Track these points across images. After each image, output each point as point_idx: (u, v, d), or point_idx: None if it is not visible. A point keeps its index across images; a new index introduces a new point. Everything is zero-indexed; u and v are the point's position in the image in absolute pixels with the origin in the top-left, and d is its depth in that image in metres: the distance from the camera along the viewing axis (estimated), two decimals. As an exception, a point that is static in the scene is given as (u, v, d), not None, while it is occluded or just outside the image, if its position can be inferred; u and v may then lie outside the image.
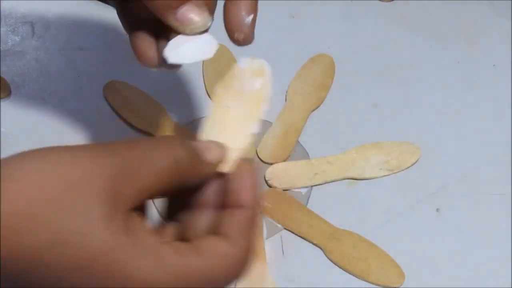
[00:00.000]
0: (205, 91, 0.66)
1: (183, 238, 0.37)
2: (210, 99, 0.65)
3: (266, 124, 0.64)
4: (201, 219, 0.37)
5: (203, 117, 0.64)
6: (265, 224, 0.58)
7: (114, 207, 0.32)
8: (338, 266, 0.56)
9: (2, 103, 0.64)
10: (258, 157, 0.62)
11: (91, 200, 0.32)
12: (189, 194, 0.38)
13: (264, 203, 0.59)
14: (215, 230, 0.36)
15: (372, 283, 0.55)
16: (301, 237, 0.57)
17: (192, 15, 0.43)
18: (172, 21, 0.43)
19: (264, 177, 0.60)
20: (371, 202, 0.60)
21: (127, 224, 0.32)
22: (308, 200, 0.60)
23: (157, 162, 0.34)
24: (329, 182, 0.60)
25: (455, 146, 0.63)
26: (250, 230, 0.36)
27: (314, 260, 0.56)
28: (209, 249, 0.34)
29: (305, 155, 0.62)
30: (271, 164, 0.61)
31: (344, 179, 0.61)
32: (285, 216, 0.58)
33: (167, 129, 0.63)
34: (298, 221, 0.58)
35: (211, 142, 0.38)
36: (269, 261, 0.56)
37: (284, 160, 0.62)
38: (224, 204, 0.37)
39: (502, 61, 0.69)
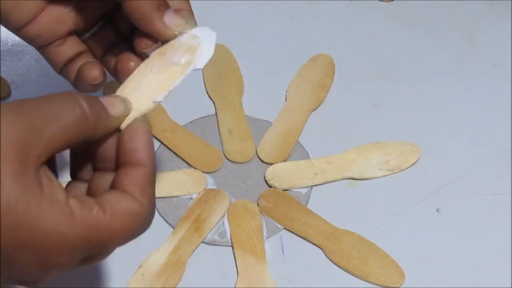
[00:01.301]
0: (205, 91, 0.66)
1: (89, 195, 0.39)
2: (210, 99, 0.65)
3: (266, 124, 0.64)
4: (105, 177, 0.39)
5: (203, 117, 0.64)
6: (265, 224, 0.58)
7: (24, 162, 0.33)
8: (338, 266, 0.56)
9: (2, 103, 0.64)
10: (258, 157, 0.62)
11: (1, 156, 0.33)
12: (94, 151, 0.39)
13: (264, 202, 0.59)
14: (118, 187, 0.38)
15: (372, 283, 0.55)
16: (301, 237, 0.57)
17: (178, 17, 0.44)
18: (159, 26, 0.43)
19: (264, 177, 0.60)
20: (371, 202, 0.60)
21: (37, 179, 0.34)
22: (308, 200, 0.60)
23: (63, 117, 0.35)
24: (329, 182, 0.60)
25: (455, 146, 0.63)
26: (150, 186, 0.38)
27: (314, 260, 0.56)
28: (113, 205, 0.36)
29: (305, 155, 0.62)
30: (271, 164, 0.61)
31: (344, 179, 0.61)
32: (285, 216, 0.58)
33: (167, 129, 0.63)
34: (298, 221, 0.58)
35: (116, 97, 0.40)
36: (269, 261, 0.56)
37: (284, 160, 0.62)
38: (123, 161, 0.38)
39: (502, 61, 0.69)
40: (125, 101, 0.40)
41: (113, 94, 0.40)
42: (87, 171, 0.40)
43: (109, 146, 0.39)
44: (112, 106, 0.38)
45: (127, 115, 0.39)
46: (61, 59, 0.47)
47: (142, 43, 0.44)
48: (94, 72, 0.46)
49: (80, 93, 0.37)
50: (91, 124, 0.36)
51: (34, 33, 0.46)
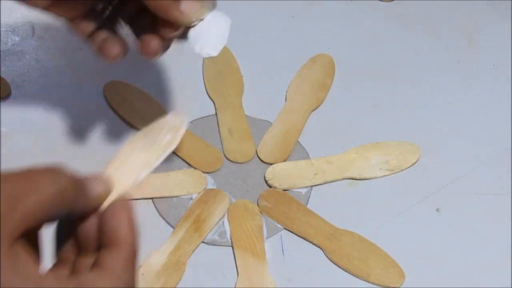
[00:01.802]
0: (205, 91, 0.66)
1: (72, 275, 0.38)
2: (210, 99, 0.65)
3: (266, 124, 0.64)
4: (88, 258, 0.38)
5: (203, 117, 0.64)
6: (265, 224, 0.58)
7: None
8: (338, 266, 0.56)
9: (2, 103, 0.64)
10: (258, 157, 0.62)
11: None
12: (77, 231, 0.39)
13: (264, 202, 0.59)
14: (98, 266, 0.37)
15: (372, 283, 0.55)
16: (301, 237, 0.57)
17: (194, 3, 0.46)
18: (176, 14, 0.46)
19: (264, 177, 0.60)
20: (371, 202, 0.60)
21: (11, 252, 0.33)
22: (308, 200, 0.60)
23: (41, 190, 0.34)
24: (329, 182, 0.60)
25: (455, 146, 0.63)
26: (130, 266, 0.37)
27: (314, 260, 0.56)
28: (91, 284, 0.35)
29: (305, 155, 0.62)
30: (271, 164, 0.61)
31: (344, 179, 0.61)
32: (285, 216, 0.58)
33: (167, 129, 0.63)
34: (298, 221, 0.58)
35: (98, 176, 0.39)
36: (269, 261, 0.56)
37: (284, 160, 0.62)
38: (104, 241, 0.38)
39: (502, 61, 0.69)
40: (106, 182, 0.39)
41: (95, 173, 0.40)
42: (71, 252, 0.39)
43: (91, 226, 0.38)
44: (92, 186, 0.38)
45: (108, 195, 0.39)
46: (83, 33, 0.51)
47: (167, 31, 0.48)
48: (115, 49, 0.50)
49: (62, 168, 0.36)
50: (69, 200, 0.36)
51: (56, 13, 0.49)
